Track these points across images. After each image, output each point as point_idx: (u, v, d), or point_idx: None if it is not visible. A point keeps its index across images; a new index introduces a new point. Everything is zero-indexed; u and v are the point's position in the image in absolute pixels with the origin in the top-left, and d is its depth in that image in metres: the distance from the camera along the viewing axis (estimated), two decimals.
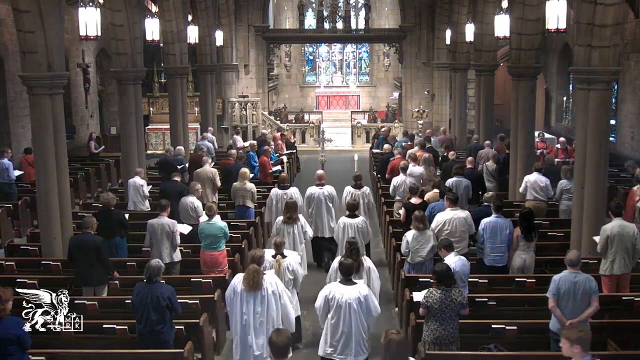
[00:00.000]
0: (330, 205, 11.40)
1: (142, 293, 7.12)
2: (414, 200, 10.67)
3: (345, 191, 11.95)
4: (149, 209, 12.73)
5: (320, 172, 12.12)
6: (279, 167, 15.90)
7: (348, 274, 6.94)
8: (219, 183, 13.17)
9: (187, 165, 15.14)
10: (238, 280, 7.07)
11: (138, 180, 12.76)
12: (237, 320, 6.98)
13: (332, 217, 11.34)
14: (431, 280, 7.38)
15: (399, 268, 9.66)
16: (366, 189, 12.00)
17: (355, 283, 6.97)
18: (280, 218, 10.05)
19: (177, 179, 12.25)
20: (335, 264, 7.77)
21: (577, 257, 7.27)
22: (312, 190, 11.48)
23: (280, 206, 11.17)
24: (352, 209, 10.26)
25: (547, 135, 19.62)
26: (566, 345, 5.27)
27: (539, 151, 16.01)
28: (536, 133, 19.08)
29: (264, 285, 6.99)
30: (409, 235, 9.14)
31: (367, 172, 18.86)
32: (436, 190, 11.13)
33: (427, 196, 11.11)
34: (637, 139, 17.97)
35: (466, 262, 8.14)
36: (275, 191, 11.72)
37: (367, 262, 7.96)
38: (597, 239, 8.88)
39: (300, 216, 10.16)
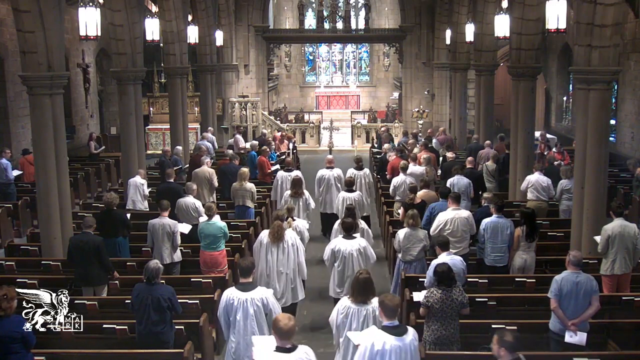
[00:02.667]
0: (339, 185, 13.00)
1: (142, 294, 7.11)
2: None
3: (348, 172, 13.35)
4: (147, 209, 12.73)
5: (330, 156, 13.92)
6: (277, 167, 15.91)
7: (349, 230, 8.58)
8: (216, 184, 13.17)
9: (183, 166, 15.14)
10: (264, 234, 8.72)
11: (139, 179, 12.78)
12: (262, 267, 8.55)
13: None
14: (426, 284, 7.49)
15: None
16: (366, 170, 13.57)
17: (355, 237, 8.57)
18: (288, 192, 11.74)
19: (172, 179, 12.23)
20: (336, 226, 9.61)
21: (580, 257, 7.28)
22: (323, 172, 13.26)
23: (285, 186, 12.76)
24: (350, 185, 12.01)
25: (548, 136, 19.39)
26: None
27: (556, 163, 13.66)
28: (553, 138, 18.44)
29: (285, 238, 8.58)
30: (401, 233, 9.16)
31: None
32: (426, 190, 11.13)
33: (419, 195, 11.01)
34: (637, 139, 17.97)
35: (460, 262, 8.02)
36: (281, 173, 13.35)
37: (362, 224, 9.56)
38: (597, 238, 8.88)
39: (305, 191, 11.75)
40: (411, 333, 5.64)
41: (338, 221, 9.74)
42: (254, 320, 6.74)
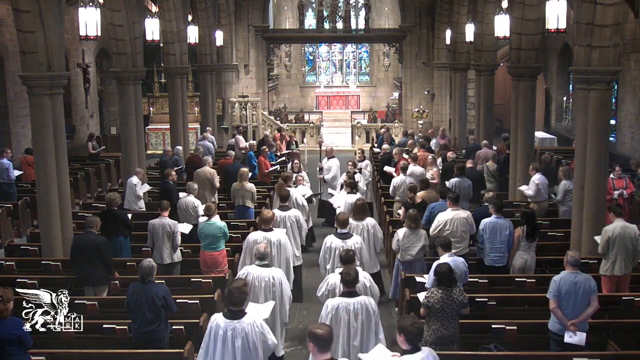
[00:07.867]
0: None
1: (136, 293, 7.13)
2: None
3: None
4: (143, 209, 12.71)
5: (330, 147, 15.64)
6: (277, 167, 15.91)
7: (352, 187, 11.33)
8: (217, 184, 13.16)
9: (184, 166, 15.14)
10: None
11: (134, 179, 12.73)
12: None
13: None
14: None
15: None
16: (367, 162, 15.54)
17: (356, 193, 11.22)
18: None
19: (170, 179, 12.21)
20: (343, 191, 11.88)
21: (578, 257, 7.27)
22: (325, 161, 14.70)
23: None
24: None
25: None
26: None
27: (616, 193, 11.86)
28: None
29: (290, 194, 11.10)
30: (400, 232, 9.16)
31: None
32: (427, 190, 11.13)
33: (419, 195, 11.00)
34: (637, 139, 17.97)
35: (461, 263, 8.01)
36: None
37: (362, 189, 12.46)
38: (598, 239, 8.87)
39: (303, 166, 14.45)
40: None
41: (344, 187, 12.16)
42: (291, 230, 9.70)
